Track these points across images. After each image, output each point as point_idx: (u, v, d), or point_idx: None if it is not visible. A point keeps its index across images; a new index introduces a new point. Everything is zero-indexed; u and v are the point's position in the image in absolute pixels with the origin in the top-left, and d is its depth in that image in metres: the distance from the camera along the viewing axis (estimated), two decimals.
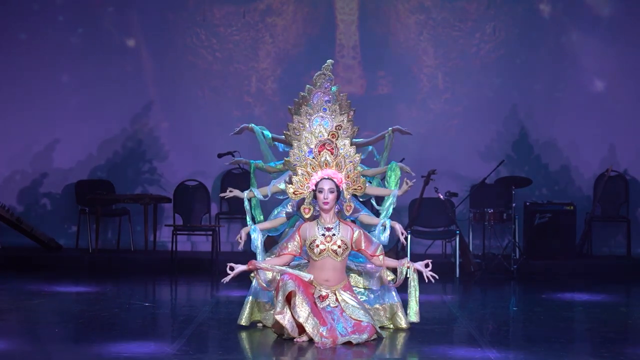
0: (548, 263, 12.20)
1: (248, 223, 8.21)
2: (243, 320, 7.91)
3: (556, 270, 12.07)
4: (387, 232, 7.96)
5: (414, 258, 11.77)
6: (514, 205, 11.95)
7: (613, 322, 8.53)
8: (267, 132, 8.75)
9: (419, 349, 7.23)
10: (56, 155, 13.47)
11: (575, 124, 13.36)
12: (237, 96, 13.54)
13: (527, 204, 12.65)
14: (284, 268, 7.56)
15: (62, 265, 12.19)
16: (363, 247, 7.60)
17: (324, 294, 7.48)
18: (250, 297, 7.96)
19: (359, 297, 7.71)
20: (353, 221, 8.13)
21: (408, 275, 7.63)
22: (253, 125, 8.79)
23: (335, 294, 7.50)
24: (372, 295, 7.93)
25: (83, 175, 13.34)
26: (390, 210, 8.31)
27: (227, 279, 7.47)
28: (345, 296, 7.50)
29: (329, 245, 7.52)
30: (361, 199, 8.48)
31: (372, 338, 7.39)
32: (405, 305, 7.83)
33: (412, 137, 13.25)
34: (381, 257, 7.64)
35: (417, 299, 7.71)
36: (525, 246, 12.54)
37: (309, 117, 8.14)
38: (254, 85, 13.55)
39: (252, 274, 7.78)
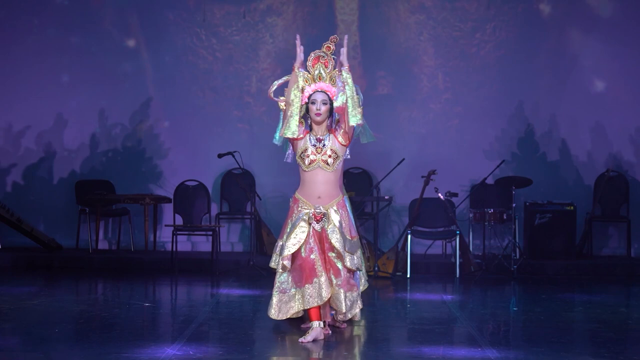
0: (548, 263, 12.20)
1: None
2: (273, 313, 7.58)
3: (556, 270, 12.07)
4: (348, 86, 7.64)
5: (414, 257, 11.90)
6: (514, 205, 11.94)
7: (613, 322, 8.52)
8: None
9: (419, 349, 7.22)
10: (56, 155, 13.46)
11: (575, 124, 13.37)
12: (237, 96, 13.53)
13: (527, 204, 12.65)
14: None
15: (62, 265, 12.19)
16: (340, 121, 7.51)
17: (317, 214, 7.38)
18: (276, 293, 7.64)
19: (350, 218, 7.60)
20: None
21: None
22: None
23: (330, 215, 7.40)
24: None
25: (83, 175, 13.34)
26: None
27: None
28: (335, 218, 7.40)
29: (320, 156, 7.47)
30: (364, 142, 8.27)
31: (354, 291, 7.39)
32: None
33: (412, 137, 13.39)
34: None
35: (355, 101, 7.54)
36: (525, 246, 12.53)
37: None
38: (254, 85, 13.55)
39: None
